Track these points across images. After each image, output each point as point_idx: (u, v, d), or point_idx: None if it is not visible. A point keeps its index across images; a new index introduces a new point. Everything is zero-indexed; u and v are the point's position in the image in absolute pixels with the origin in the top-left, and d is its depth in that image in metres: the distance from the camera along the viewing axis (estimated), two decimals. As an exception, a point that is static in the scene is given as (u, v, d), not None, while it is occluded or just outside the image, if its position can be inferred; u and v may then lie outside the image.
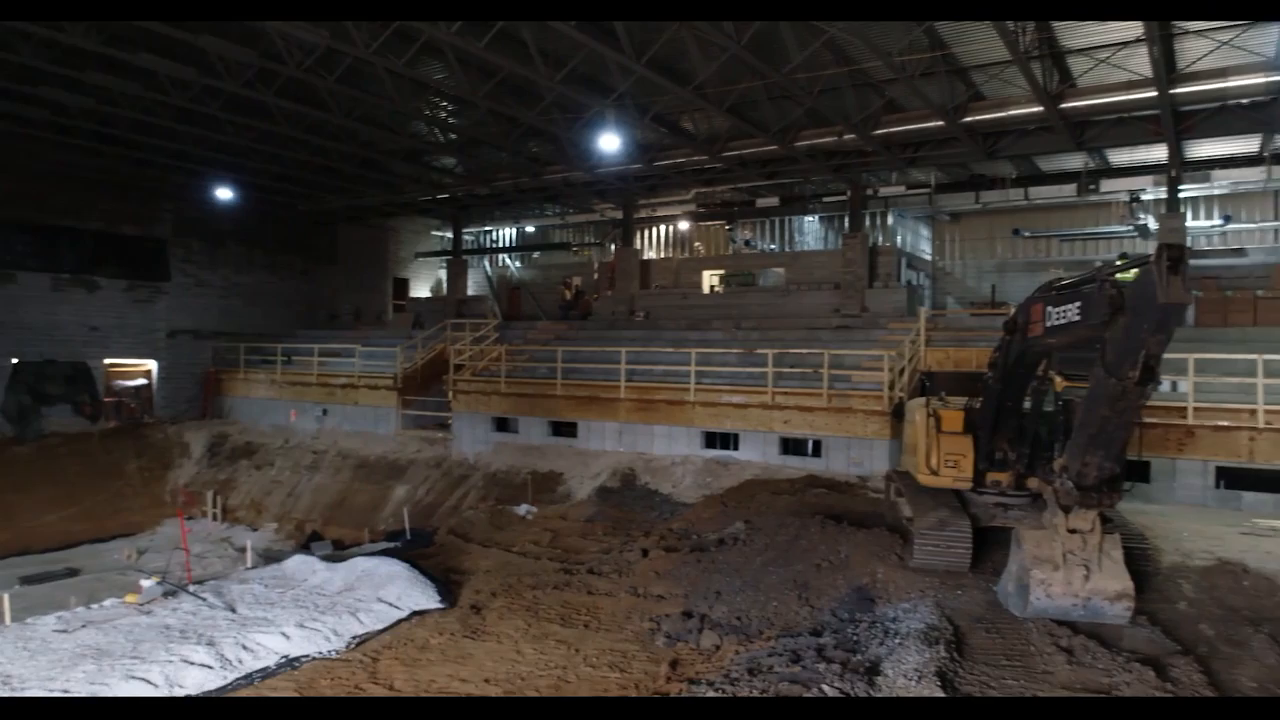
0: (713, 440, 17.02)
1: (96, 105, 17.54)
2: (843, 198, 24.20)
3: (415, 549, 13.16)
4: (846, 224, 24.01)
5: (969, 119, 16.77)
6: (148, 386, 26.27)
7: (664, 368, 18.42)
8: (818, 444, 15.95)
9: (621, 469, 17.01)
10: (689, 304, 25.13)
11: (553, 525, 14.58)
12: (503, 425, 19.85)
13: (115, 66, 15.41)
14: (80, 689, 6.98)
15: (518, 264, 35.72)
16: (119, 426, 24.31)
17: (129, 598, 9.69)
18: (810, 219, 28.52)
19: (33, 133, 19.86)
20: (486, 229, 35.87)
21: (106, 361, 25.02)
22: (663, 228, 31.54)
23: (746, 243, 29.14)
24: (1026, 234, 25.00)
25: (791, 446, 16.26)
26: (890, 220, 26.18)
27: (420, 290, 35.46)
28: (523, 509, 15.76)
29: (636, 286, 26.53)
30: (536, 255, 35.50)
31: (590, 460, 17.78)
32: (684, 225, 30.51)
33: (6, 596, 10.31)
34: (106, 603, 9.70)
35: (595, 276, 30.55)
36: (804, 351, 17.42)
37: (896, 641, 7.37)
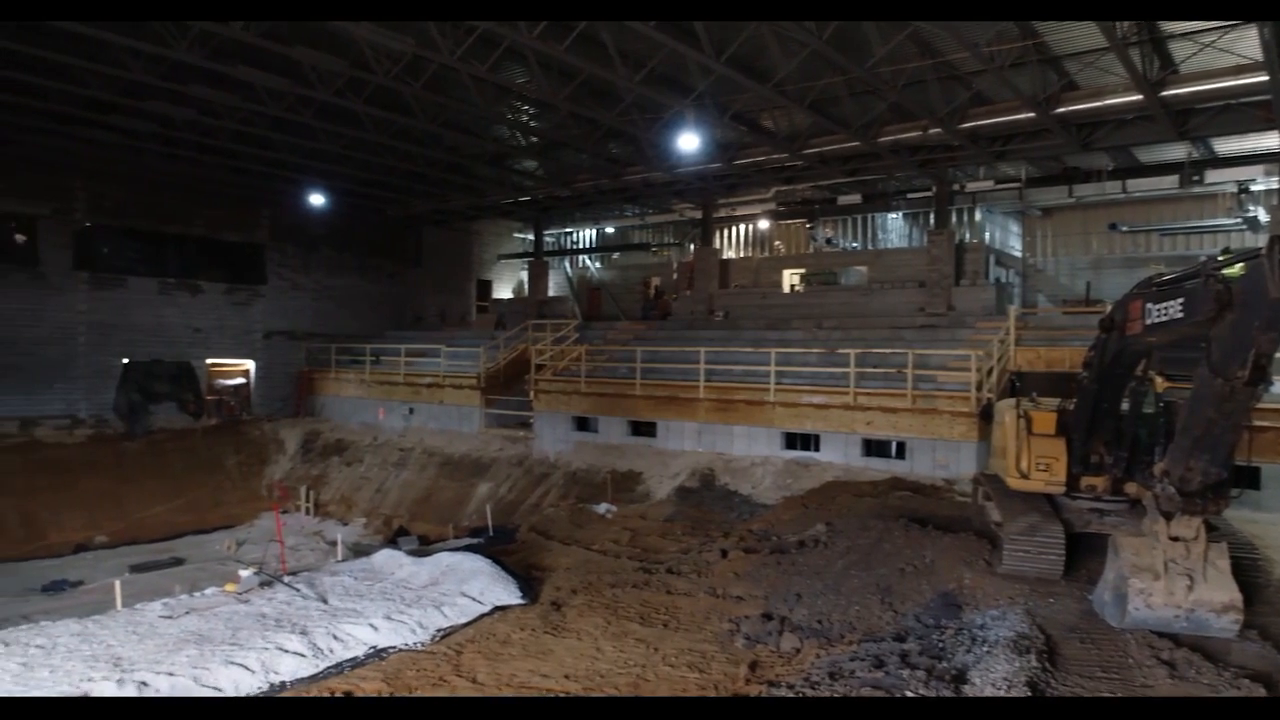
0: (793, 441, 16.83)
1: (199, 117, 18.40)
2: (928, 194, 23.60)
3: (497, 545, 13.39)
4: (932, 221, 23.44)
5: (1062, 109, 16.13)
6: (246, 385, 27.47)
7: (743, 368, 18.30)
8: (901, 446, 15.60)
9: (700, 469, 16.98)
10: (769, 303, 24.91)
11: (632, 524, 14.63)
12: (583, 424, 20.04)
13: (216, 79, 16.14)
14: (184, 672, 7.33)
15: (597, 265, 36.01)
16: (220, 423, 25.48)
17: (228, 587, 10.12)
18: (894, 216, 27.93)
19: (142, 145, 20.95)
20: (567, 230, 36.29)
21: (208, 361, 26.27)
22: (742, 227, 31.35)
23: (828, 241, 28.72)
24: (1124, 229, 23.94)
25: (874, 448, 15.95)
26: (978, 216, 25.44)
27: (502, 291, 36.09)
28: (602, 508, 15.88)
29: (716, 286, 26.43)
30: (616, 256, 35.74)
31: (669, 460, 17.80)
32: (764, 224, 30.26)
33: (118, 583, 10.93)
34: (208, 591, 10.15)
35: (674, 276, 30.56)
36: (887, 351, 17.07)
37: (984, 649, 7.15)
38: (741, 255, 30.97)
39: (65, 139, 20.44)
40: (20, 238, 22.55)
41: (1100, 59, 14.65)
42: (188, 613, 9.10)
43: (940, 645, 7.62)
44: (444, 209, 29.08)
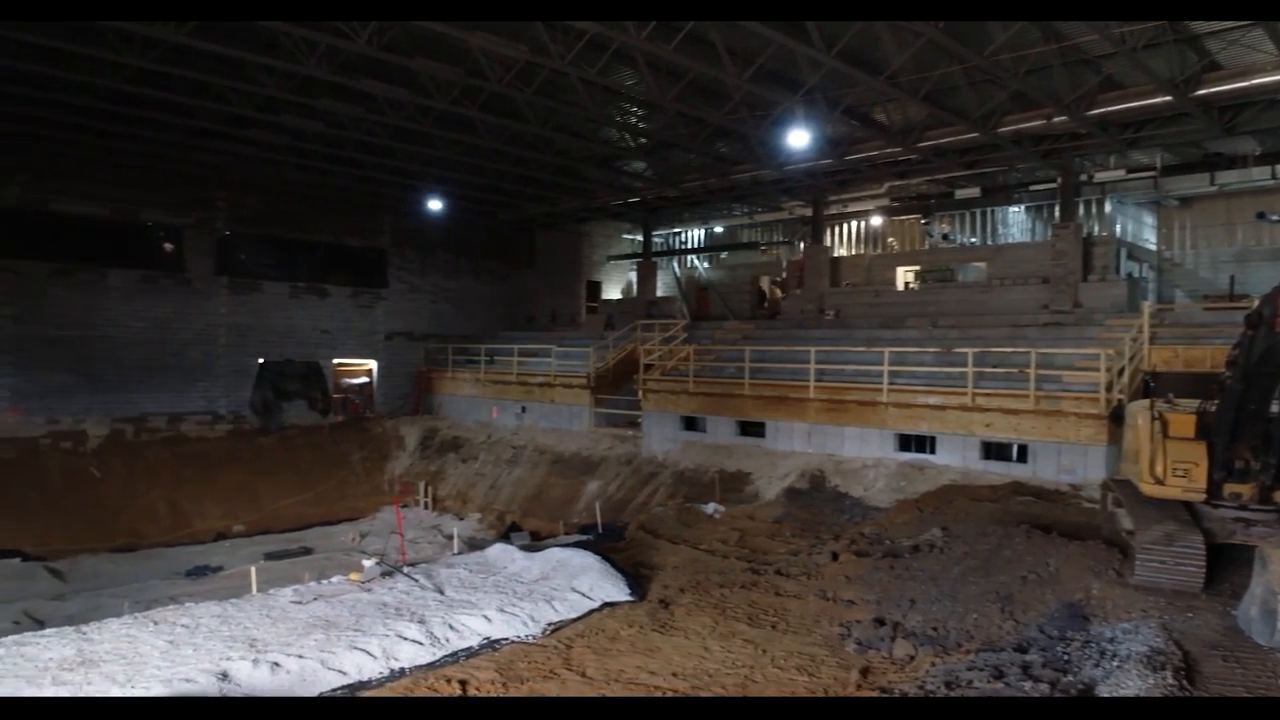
0: (907, 443, 16.35)
1: (327, 129, 19.36)
2: (1052, 185, 22.51)
3: (606, 542, 13.55)
4: (1057, 213, 22.32)
5: (1203, 92, 15.06)
6: (369, 384, 28.75)
7: (855, 367, 17.90)
8: (1023, 449, 14.93)
9: (810, 470, 16.71)
10: (881, 301, 24.30)
11: (740, 525, 14.54)
12: (691, 424, 20.05)
13: (343, 92, 16.95)
14: (312, 655, 7.73)
15: (705, 265, 35.95)
16: (345, 420, 26.74)
17: (352, 576, 10.60)
18: (1015, 209, 26.75)
19: (275, 157, 22.22)
20: (675, 231, 36.38)
21: (335, 361, 27.63)
22: (853, 224, 30.69)
23: (944, 237, 27.77)
24: (1274, 218, 22.17)
25: (994, 451, 15.33)
26: (1108, 208, 24.06)
27: (611, 292, 36.50)
28: (710, 508, 15.84)
29: (826, 284, 25.98)
30: (724, 255, 35.59)
31: (778, 461, 17.60)
32: (876, 220, 29.53)
33: (254, 569, 11.62)
34: (334, 579, 10.67)
35: (784, 275, 30.20)
36: (1008, 350, 16.37)
37: (1114, 664, 6.76)
38: (853, 253, 30.31)
39: (208, 153, 21.89)
40: (168, 246, 24.30)
41: (1246, 35, 13.64)
42: (316, 599, 9.59)
43: (1065, 658, 7.26)
44: (555, 211, 29.65)
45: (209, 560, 17.88)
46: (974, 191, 25.02)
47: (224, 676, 7.18)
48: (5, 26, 13.42)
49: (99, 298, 22.70)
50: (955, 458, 15.58)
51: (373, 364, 28.72)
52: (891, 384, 16.53)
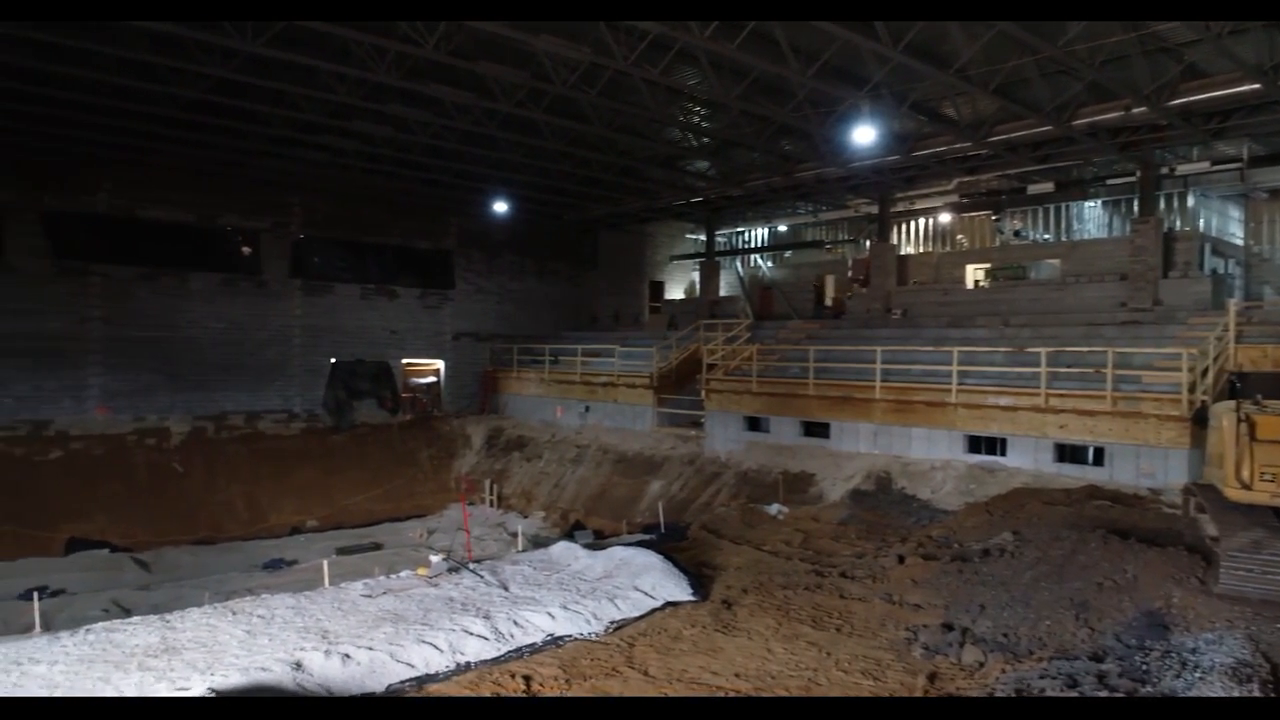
0: (976, 444, 15.98)
1: (396, 134, 19.79)
2: (1130, 179, 21.72)
3: (669, 542, 13.56)
4: (1135, 208, 21.54)
5: (1295, 78, 14.40)
6: (437, 383, 29.31)
7: (922, 367, 17.57)
8: (1099, 451, 14.46)
9: (876, 472, 16.47)
10: (950, 300, 23.78)
11: (804, 526, 14.40)
12: (754, 424, 19.93)
13: (411, 97, 17.31)
14: (382, 647, 7.91)
15: (769, 264, 35.69)
16: (413, 419, 27.31)
17: (420, 571, 10.82)
18: (1091, 204, 25.92)
19: (347, 162, 22.81)
20: (739, 230, 36.21)
21: (404, 361, 28.24)
22: (921, 221, 30.12)
23: (1016, 233, 27.06)
24: (1373, 210, 21.08)
25: (1068, 453, 14.88)
26: (1190, 201, 23.16)
27: (675, 292, 36.50)
28: (774, 508, 15.73)
29: (893, 283, 25.54)
30: (788, 254, 35.29)
31: (843, 462, 17.38)
32: (945, 217, 28.93)
33: (326, 563, 11.96)
34: (402, 574, 10.90)
35: (849, 274, 29.80)
36: (1084, 350, 15.87)
37: (1197, 675, 6.50)
38: (920, 250, 29.76)
39: (282, 160, 22.58)
40: (246, 250, 25.18)
41: (1342, 18, 12.94)
42: (385, 593, 9.82)
43: (1144, 668, 7.01)
44: (618, 212, 29.78)
45: (284, 554, 18.45)
46: (1047, 186, 24.29)
47: (298, 666, 7.40)
48: (97, 41, 14.08)
49: (181, 300, 23.64)
50: (1027, 460, 15.17)
51: (440, 364, 29.27)
52: (961, 384, 16.18)
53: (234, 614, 8.92)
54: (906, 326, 22.36)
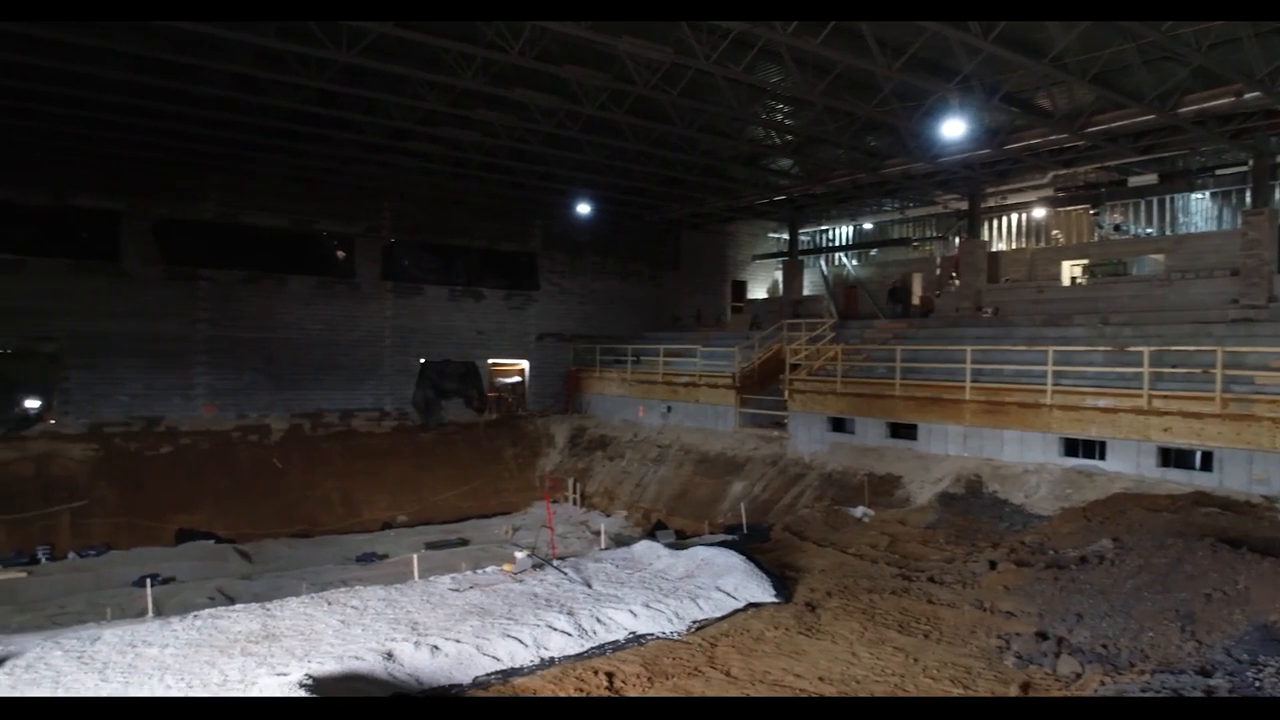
0: (1073, 448, 15.37)
1: (482, 138, 20.23)
2: (1242, 168, 20.59)
3: (751, 543, 13.46)
4: (1248, 199, 20.37)
5: None
6: (521, 383, 29.84)
7: (1015, 367, 16.99)
8: (1207, 456, 13.72)
9: (966, 475, 16.01)
10: (1045, 298, 22.95)
11: (890, 529, 14.11)
12: (838, 425, 19.62)
13: (497, 102, 17.67)
14: (469, 640, 8.10)
15: (854, 262, 35.11)
16: (499, 418, 27.88)
17: (505, 567, 11.03)
18: (1198, 196, 24.62)
19: (435, 167, 23.43)
20: (822, 228, 35.73)
21: (489, 361, 28.84)
22: (1014, 216, 29.15)
23: (1116, 227, 25.92)
24: None
25: (1172, 458, 14.16)
26: (1310, 191, 21.78)
27: (757, 292, 36.25)
28: (859, 511, 15.46)
29: (984, 281, 24.79)
30: (874, 252, 34.64)
31: (931, 464, 16.96)
32: (1039, 212, 27.93)
33: (415, 558, 12.30)
34: (488, 569, 11.13)
35: (937, 272, 29.07)
36: (1190, 349, 15.08)
37: (1316, 694, 6.12)
38: (1013, 247, 28.79)
39: (374, 166, 23.35)
40: (340, 254, 26.14)
41: None
42: (472, 588, 10.05)
43: (1257, 684, 6.62)
44: (700, 212, 29.75)
45: (376, 548, 19.04)
46: (1150, 178, 23.23)
47: (389, 656, 7.63)
48: (205, 56, 14.83)
49: (280, 302, 24.68)
50: (1128, 464, 14.52)
51: (525, 364, 29.77)
52: (1056, 385, 15.59)
53: (329, 604, 9.26)
54: (998, 325, 21.66)
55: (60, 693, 6.67)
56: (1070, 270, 24.83)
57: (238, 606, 9.37)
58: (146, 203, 22.60)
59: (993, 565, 11.04)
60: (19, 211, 21.16)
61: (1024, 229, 29.05)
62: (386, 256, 26.70)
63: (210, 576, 16.56)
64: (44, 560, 17.57)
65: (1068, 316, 20.72)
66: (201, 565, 17.36)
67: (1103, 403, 14.94)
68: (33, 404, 21.41)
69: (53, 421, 21.37)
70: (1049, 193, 26.10)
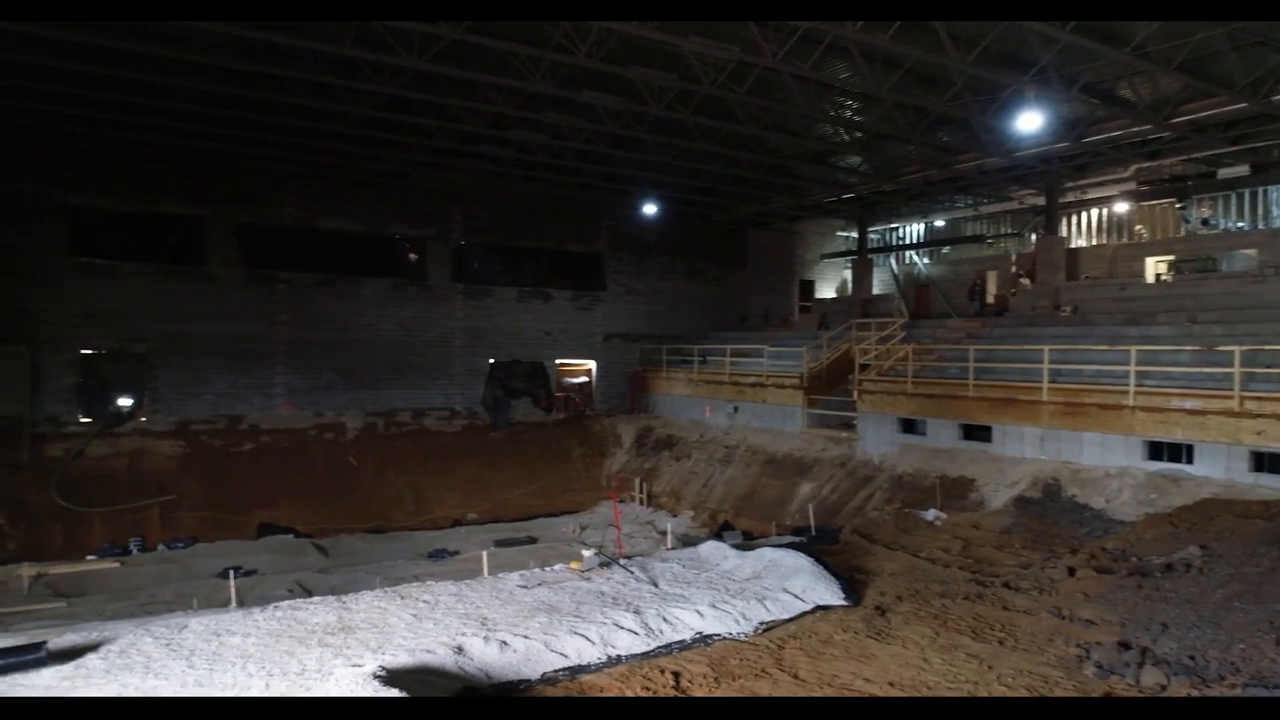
0: (1158, 451, 14.77)
1: (550, 140, 20.44)
2: (1344, 158, 19.52)
3: (819, 545, 13.30)
4: (1350, 190, 19.32)
5: None
6: (589, 383, 30.05)
7: (1095, 367, 16.43)
8: (1305, 461, 13.05)
9: (1043, 478, 15.54)
10: (1128, 295, 22.12)
11: (963, 533, 13.78)
12: (909, 426, 19.25)
13: (564, 105, 17.84)
14: (537, 637, 8.19)
15: (925, 260, 34.40)
16: (566, 418, 28.14)
17: (573, 565, 11.11)
18: (1294, 188, 23.44)
19: (503, 170, 23.78)
20: (892, 226, 35.11)
21: (557, 361, 29.15)
22: (1094, 211, 28.17)
23: (1204, 222, 24.83)
24: None
25: (1266, 462, 13.49)
26: None
27: (825, 291, 35.82)
28: (930, 514, 15.14)
29: (1062, 278, 24.03)
30: (946, 250, 33.88)
31: (1006, 467, 16.51)
32: (1121, 207, 26.96)
33: (485, 554, 12.51)
34: (556, 567, 11.22)
35: (1013, 269, 28.27)
36: (1286, 348, 14.37)
37: None
38: (1093, 243, 27.83)
39: (445, 170, 23.81)
40: (413, 257, 26.75)
41: None
42: (540, 585, 10.15)
43: (1359, 702, 6.28)
44: (767, 211, 29.52)
45: (446, 544, 19.41)
46: (1241, 170, 22.18)
47: (459, 650, 7.77)
48: (282, 65, 15.34)
49: (355, 304, 25.36)
50: (1217, 469, 13.88)
51: (592, 364, 29.98)
52: (1139, 386, 15.00)
53: (402, 599, 9.47)
54: (1077, 324, 20.96)
55: (150, 677, 6.97)
56: (1154, 267, 23.90)
57: (315, 599, 9.64)
58: (229, 208, 23.49)
59: (1072, 572, 10.70)
60: (113, 219, 22.27)
61: (1105, 224, 28.05)
62: (457, 258, 27.21)
63: (289, 570, 17.09)
64: (136, 551, 18.43)
65: (1152, 315, 19.93)
66: (281, 559, 17.95)
67: (1189, 404, 14.32)
68: (125, 402, 22.46)
69: (143, 419, 22.37)
70: (1131, 186, 25.16)
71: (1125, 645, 8.26)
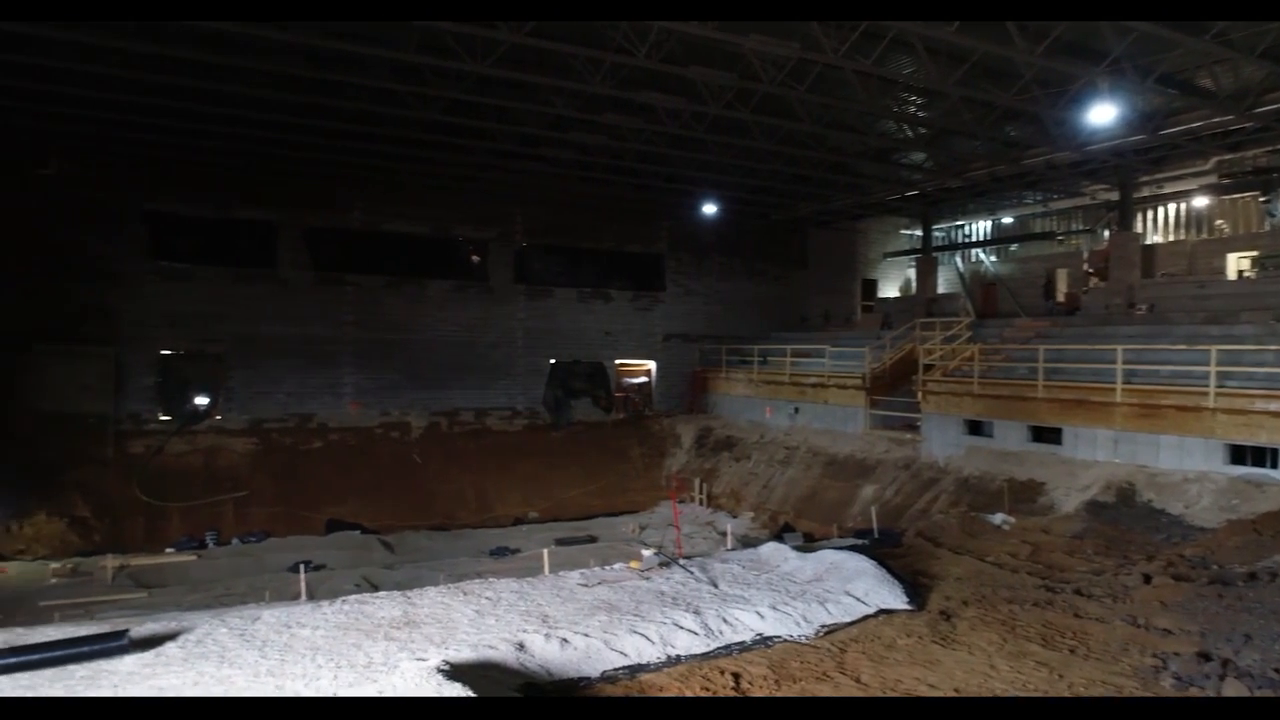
0: (1240, 455, 14.18)
1: (609, 142, 20.54)
2: None
3: (882, 548, 13.10)
4: None
5: None
6: (648, 384, 30.12)
7: (1172, 368, 15.84)
8: (1403, 466, 12.39)
9: (1117, 482, 15.05)
10: (1207, 293, 21.28)
11: (1032, 538, 13.41)
12: (975, 428, 18.82)
13: (623, 106, 17.91)
14: (597, 635, 8.23)
15: (992, 258, 33.60)
16: (626, 418, 28.25)
17: (633, 564, 11.12)
18: (1390, 179, 22.28)
19: (563, 171, 23.97)
20: (958, 223, 34.38)
21: (617, 361, 29.27)
22: (1171, 206, 27.17)
23: (1291, 216, 23.78)
24: None
25: (1360, 468, 12.87)
26: None
27: (888, 290, 35.25)
28: (998, 518, 14.77)
29: (1137, 276, 23.24)
30: (1014, 248, 33.04)
31: (1077, 470, 16.03)
32: (1200, 201, 25.94)
33: (546, 553, 12.62)
34: (615, 566, 11.25)
35: (1084, 267, 27.43)
36: (1380, 348, 13.67)
37: None
38: (1170, 239, 26.84)
39: (506, 173, 24.10)
40: (475, 258, 27.15)
41: None
42: (600, 583, 10.20)
43: None
44: (828, 210, 29.20)
45: (508, 542, 19.64)
46: (1331, 160, 21.18)
47: (520, 647, 7.85)
48: (348, 72, 15.72)
49: (419, 306, 25.86)
50: (1306, 474, 13.28)
51: (651, 364, 30.03)
52: (1220, 387, 14.42)
53: (465, 595, 9.61)
54: (1153, 323, 20.24)
55: (225, 666, 7.21)
56: (1237, 263, 22.93)
57: (381, 594, 9.84)
58: (298, 213, 24.18)
59: (1147, 579, 10.34)
60: (189, 224, 23.09)
61: (1183, 219, 27.03)
62: (518, 260, 27.54)
63: (356, 565, 17.48)
64: (211, 545, 19.08)
65: (1233, 313, 19.14)
66: (349, 554, 18.37)
67: (1274, 407, 13.72)
68: (202, 401, 23.30)
69: (219, 417, 23.18)
70: (1212, 180, 24.20)
71: (1205, 656, 7.94)
